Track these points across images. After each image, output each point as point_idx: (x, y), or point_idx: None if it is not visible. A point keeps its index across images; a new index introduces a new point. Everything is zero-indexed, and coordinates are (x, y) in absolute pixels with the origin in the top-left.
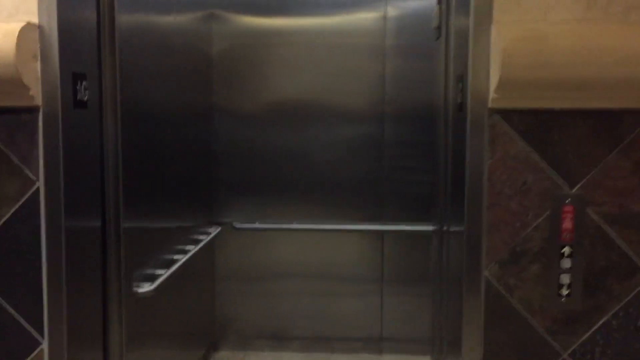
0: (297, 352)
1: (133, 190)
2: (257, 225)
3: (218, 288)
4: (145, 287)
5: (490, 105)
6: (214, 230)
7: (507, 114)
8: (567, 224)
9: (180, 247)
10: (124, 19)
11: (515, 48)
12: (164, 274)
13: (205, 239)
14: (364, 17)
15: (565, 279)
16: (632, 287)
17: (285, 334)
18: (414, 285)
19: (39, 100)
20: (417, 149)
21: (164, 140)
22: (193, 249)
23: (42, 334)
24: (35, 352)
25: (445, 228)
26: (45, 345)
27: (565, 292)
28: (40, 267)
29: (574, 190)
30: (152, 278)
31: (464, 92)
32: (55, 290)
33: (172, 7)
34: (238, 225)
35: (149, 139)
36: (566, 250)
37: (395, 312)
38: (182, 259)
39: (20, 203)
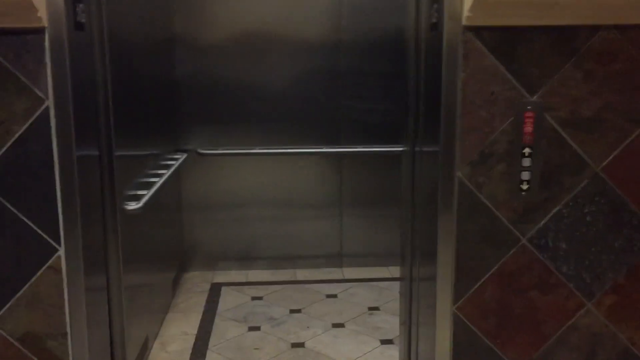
0: (263, 270)
1: (118, 119)
2: (220, 150)
3: (185, 214)
4: (133, 205)
5: (464, 23)
6: (181, 157)
7: (478, 32)
8: (528, 127)
9: (153, 172)
10: None
11: None
12: (146, 194)
13: (175, 164)
14: None
15: (525, 175)
16: (581, 181)
17: (251, 255)
18: (369, 207)
19: (45, 21)
20: (372, 77)
21: (136, 70)
22: (166, 173)
23: (58, 242)
24: (53, 257)
25: (417, 148)
26: (62, 252)
27: (525, 187)
28: (53, 181)
29: (534, 98)
30: (136, 198)
31: (439, 12)
32: (69, 201)
33: None
34: (202, 151)
35: (126, 68)
36: (527, 150)
37: (353, 230)
38: (159, 181)
39: (31, 120)
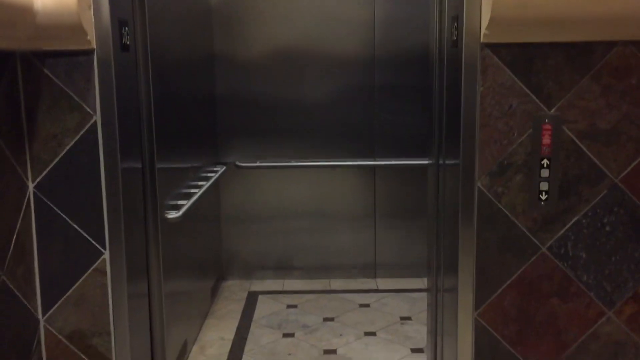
0: (298, 279)
1: (160, 133)
2: (257, 163)
3: (223, 224)
4: (174, 214)
5: (482, 40)
6: (220, 169)
7: (496, 48)
8: (546, 140)
9: (193, 183)
10: None
11: None
12: (186, 203)
13: (214, 175)
14: None
15: (544, 186)
16: (599, 192)
17: (287, 264)
18: (403, 218)
19: (93, 44)
20: (405, 90)
21: (177, 87)
22: (205, 184)
23: (104, 246)
24: (99, 260)
25: (440, 161)
26: (107, 255)
27: (544, 197)
28: (100, 190)
29: (552, 111)
30: (176, 207)
31: (459, 30)
32: (114, 209)
33: None
34: (240, 163)
35: (168, 85)
36: (545, 162)
37: (387, 241)
38: (198, 192)
39: (80, 134)
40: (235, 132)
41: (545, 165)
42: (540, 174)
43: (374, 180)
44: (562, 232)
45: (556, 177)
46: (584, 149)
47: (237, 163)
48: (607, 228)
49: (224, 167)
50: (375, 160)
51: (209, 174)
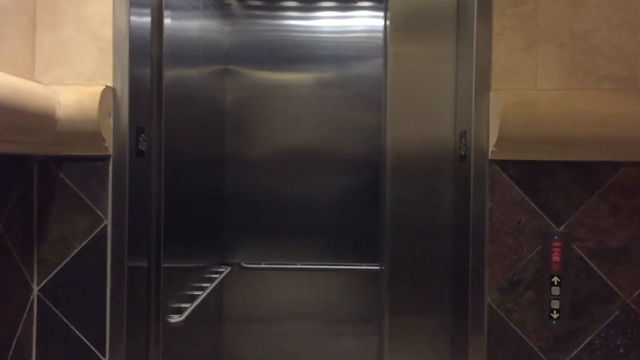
0: None
1: (168, 232)
2: (262, 265)
3: (225, 325)
4: (176, 318)
5: (490, 157)
6: (224, 270)
7: (504, 165)
8: (556, 257)
9: (197, 284)
10: (167, 73)
11: (511, 111)
12: (189, 307)
13: (218, 277)
14: (363, 72)
15: (555, 304)
16: (612, 311)
17: None
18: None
19: (110, 150)
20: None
21: (188, 186)
22: (209, 286)
23: (104, 354)
24: None
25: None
26: None
27: (555, 315)
28: (104, 295)
29: (561, 229)
30: (179, 311)
31: (467, 146)
32: (117, 315)
33: (199, 62)
34: (245, 265)
35: (179, 185)
36: (555, 279)
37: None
38: (202, 294)
39: (90, 237)
40: (241, 231)
41: (555, 283)
42: (551, 292)
43: (380, 283)
44: (575, 352)
45: (567, 295)
46: (595, 267)
47: (242, 264)
48: (621, 350)
49: (229, 268)
50: (382, 265)
51: (214, 275)
